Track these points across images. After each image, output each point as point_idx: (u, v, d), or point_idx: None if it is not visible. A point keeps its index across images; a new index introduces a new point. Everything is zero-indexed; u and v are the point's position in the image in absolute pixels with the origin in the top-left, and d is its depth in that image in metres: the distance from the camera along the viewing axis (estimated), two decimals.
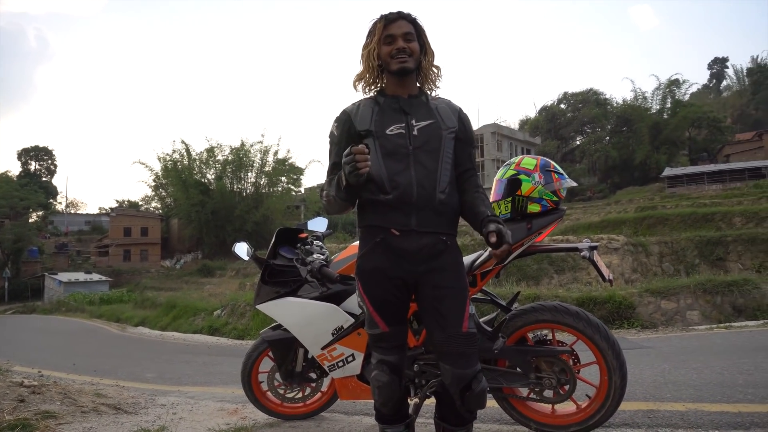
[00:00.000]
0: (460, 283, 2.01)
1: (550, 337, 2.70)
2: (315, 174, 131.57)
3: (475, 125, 51.77)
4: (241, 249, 3.12)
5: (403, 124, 1.98)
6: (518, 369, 2.63)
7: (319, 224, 3.43)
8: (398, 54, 1.97)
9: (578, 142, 61.40)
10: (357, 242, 3.04)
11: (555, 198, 2.61)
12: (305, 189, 53.53)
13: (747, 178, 36.61)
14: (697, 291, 7.90)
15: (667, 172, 43.11)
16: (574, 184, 2.78)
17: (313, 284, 2.86)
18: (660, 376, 3.93)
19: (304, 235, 3.25)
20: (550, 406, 2.70)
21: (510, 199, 2.63)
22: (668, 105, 53.49)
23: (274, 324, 3.16)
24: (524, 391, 2.70)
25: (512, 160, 2.76)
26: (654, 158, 49.23)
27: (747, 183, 33.98)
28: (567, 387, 2.59)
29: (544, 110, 65.02)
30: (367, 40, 2.05)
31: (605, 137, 56.69)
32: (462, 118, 2.10)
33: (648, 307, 7.84)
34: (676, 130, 51.53)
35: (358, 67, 2.09)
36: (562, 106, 64.75)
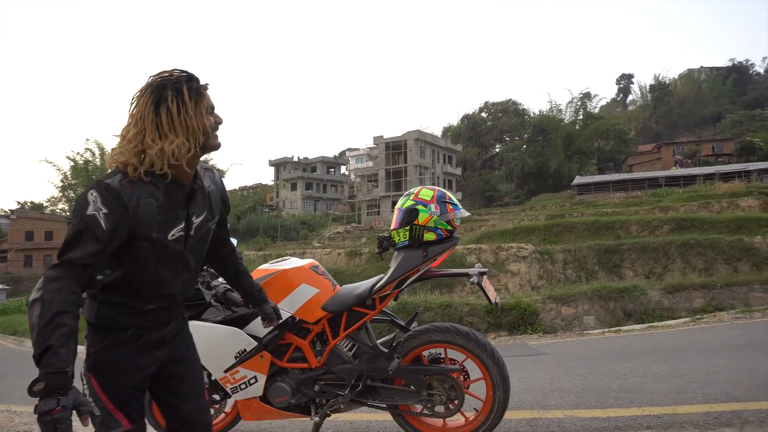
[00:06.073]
0: (197, 354, 1.99)
1: (443, 355, 2.92)
2: (237, 176, 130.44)
3: (399, 131, 52.51)
4: None
5: (182, 225, 1.70)
6: (412, 387, 2.83)
7: None
8: (217, 128, 1.74)
9: (497, 150, 64.00)
10: (264, 266, 3.14)
11: (449, 227, 2.83)
12: None
13: (647, 187, 39.89)
14: (593, 297, 8.56)
15: (577, 180, 45.98)
16: (468, 214, 3.02)
17: (218, 308, 2.92)
18: (549, 384, 4.28)
19: None
20: (441, 420, 2.92)
21: (408, 227, 2.82)
22: (580, 117, 57.12)
23: None
24: (418, 407, 2.91)
25: (412, 190, 2.96)
26: (566, 167, 52.35)
27: (646, 192, 36.92)
28: (456, 402, 2.82)
29: (466, 118, 67.24)
30: (189, 103, 1.60)
31: (522, 146, 59.50)
32: (223, 192, 1.95)
33: (550, 313, 8.40)
34: (587, 141, 55.23)
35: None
36: (483, 114, 67.26)
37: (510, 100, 66.05)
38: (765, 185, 30.65)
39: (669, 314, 8.40)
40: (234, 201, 47.99)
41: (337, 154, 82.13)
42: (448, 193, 2.92)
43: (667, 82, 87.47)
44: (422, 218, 2.80)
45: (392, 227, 2.92)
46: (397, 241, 2.87)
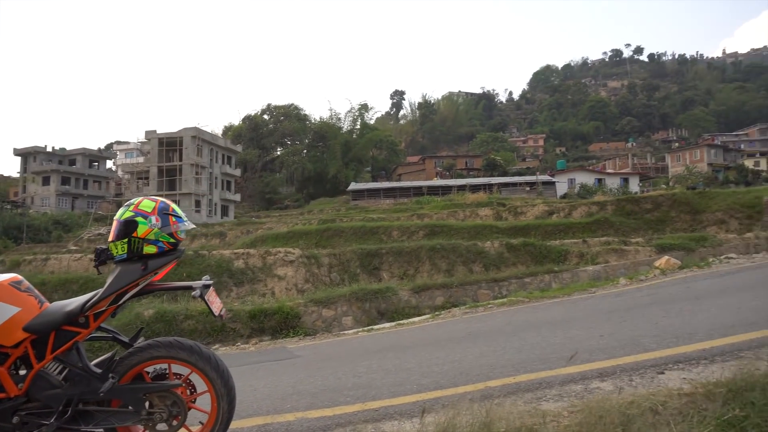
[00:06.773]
0: None
1: (168, 370, 2.83)
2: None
3: (175, 127, 49.37)
4: None
5: None
6: (130, 407, 2.69)
7: None
8: None
9: (279, 153, 64.37)
10: None
11: (172, 240, 2.75)
12: None
13: (412, 194, 44.22)
14: (351, 299, 9.15)
15: (352, 186, 48.92)
16: (192, 226, 2.98)
17: None
18: (291, 387, 4.44)
19: None
20: None
21: (126, 240, 2.68)
22: (358, 126, 61.08)
23: None
24: (139, 428, 2.77)
25: (132, 201, 2.81)
26: (344, 173, 55.35)
27: (411, 199, 40.91)
28: (180, 417, 2.76)
29: (248, 119, 66.14)
30: None
31: (303, 150, 60.98)
32: None
33: (311, 315, 8.75)
34: (363, 149, 59.34)
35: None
36: (266, 116, 66.96)
37: (292, 104, 67.13)
38: (502, 197, 36.36)
39: (415, 312, 9.41)
40: None
41: (102, 147, 73.80)
42: (172, 205, 2.84)
43: (432, 101, 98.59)
44: (141, 230, 2.69)
45: (110, 239, 2.75)
46: (115, 254, 2.71)
